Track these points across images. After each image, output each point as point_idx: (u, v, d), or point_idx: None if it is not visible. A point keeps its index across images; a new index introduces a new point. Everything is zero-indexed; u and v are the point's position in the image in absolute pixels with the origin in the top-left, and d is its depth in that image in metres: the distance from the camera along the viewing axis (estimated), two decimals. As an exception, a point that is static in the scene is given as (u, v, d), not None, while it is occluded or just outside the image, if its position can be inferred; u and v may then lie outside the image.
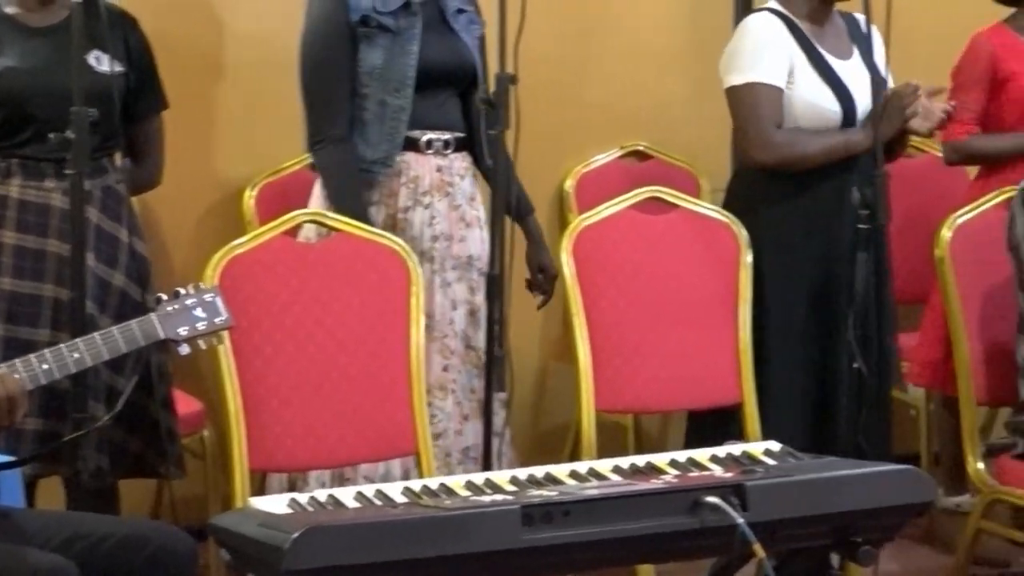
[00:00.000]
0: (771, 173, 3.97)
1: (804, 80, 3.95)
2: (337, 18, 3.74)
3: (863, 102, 3.91)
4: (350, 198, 3.74)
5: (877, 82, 3.84)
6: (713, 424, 3.90)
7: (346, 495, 2.53)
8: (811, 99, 3.95)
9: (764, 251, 3.91)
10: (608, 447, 3.67)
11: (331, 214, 3.62)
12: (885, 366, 3.80)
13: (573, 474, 2.67)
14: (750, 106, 3.93)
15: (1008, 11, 4.64)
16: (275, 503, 2.51)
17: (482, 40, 3.95)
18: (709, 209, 3.98)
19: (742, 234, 3.88)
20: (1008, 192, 3.99)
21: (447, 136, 3.86)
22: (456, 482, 2.60)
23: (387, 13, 3.74)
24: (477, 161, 3.93)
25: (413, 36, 3.76)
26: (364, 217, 3.69)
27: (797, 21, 4.00)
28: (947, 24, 4.73)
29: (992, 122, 4.60)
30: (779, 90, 3.94)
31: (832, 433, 3.96)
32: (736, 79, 3.96)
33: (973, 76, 4.50)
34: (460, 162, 3.89)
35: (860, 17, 3.97)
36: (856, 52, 4.01)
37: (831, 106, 3.95)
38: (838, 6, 4.03)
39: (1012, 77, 4.51)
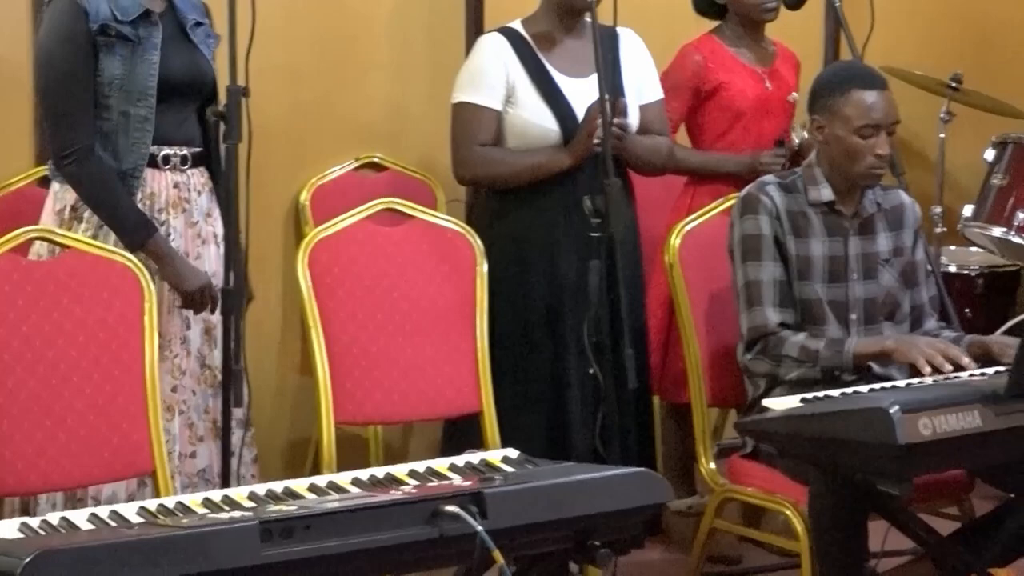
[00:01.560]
0: (500, 189, 4.13)
1: (525, 100, 4.09)
2: (76, 28, 3.65)
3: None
4: (119, 201, 3.66)
5: (613, 99, 3.93)
6: (465, 431, 3.93)
7: (79, 517, 2.47)
8: (530, 118, 4.08)
9: (499, 261, 3.96)
10: (350, 460, 3.66)
11: (60, 231, 3.53)
12: (623, 371, 3.87)
13: (312, 488, 2.66)
14: (458, 125, 4.14)
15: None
16: (5, 528, 2.44)
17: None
18: (445, 220, 4.01)
19: (477, 244, 3.92)
20: (732, 199, 4.12)
21: (185, 151, 3.79)
22: (193, 500, 2.57)
23: (126, 22, 3.66)
24: (215, 176, 3.87)
25: (153, 46, 3.69)
26: (140, 215, 3.64)
27: (532, 42, 4.10)
28: (673, 37, 4.84)
29: (699, 131, 4.72)
30: (492, 111, 4.08)
31: (570, 439, 4.03)
32: (454, 97, 4.16)
33: (678, 85, 4.60)
34: (198, 178, 3.82)
35: (623, 33, 4.05)
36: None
37: (550, 125, 4.07)
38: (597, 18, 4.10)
39: (720, 87, 4.62)
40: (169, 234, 3.75)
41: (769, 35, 4.78)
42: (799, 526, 3.62)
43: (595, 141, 3.95)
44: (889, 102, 3.78)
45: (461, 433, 3.99)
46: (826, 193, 3.83)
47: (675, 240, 4.05)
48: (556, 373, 4.07)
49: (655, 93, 4.27)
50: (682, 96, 4.62)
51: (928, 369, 3.49)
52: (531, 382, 4.07)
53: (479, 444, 3.71)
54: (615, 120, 3.95)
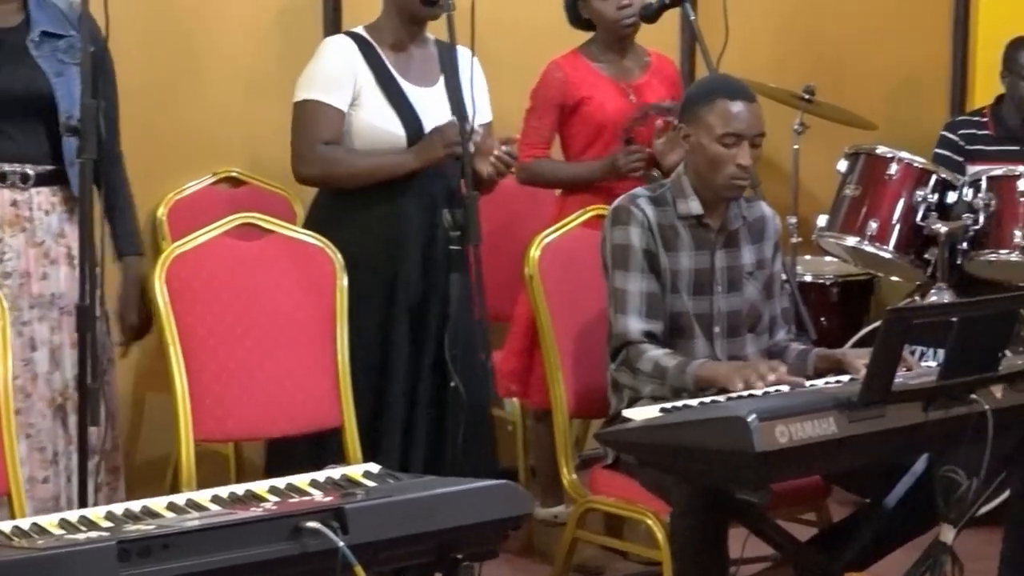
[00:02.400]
0: (344, 194, 4.10)
1: (371, 103, 4.08)
2: None
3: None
4: None
5: (458, 111, 3.95)
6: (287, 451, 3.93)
7: (-70, 541, 2.43)
8: (375, 122, 4.07)
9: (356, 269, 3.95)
10: (210, 477, 3.63)
11: None
12: (479, 383, 3.89)
13: (171, 506, 2.63)
14: (300, 122, 4.11)
15: (584, 38, 4.81)
16: None
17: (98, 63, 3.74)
18: (303, 234, 3.98)
19: (337, 258, 3.90)
20: (592, 211, 4.15)
21: (27, 169, 3.70)
22: (50, 521, 2.53)
23: None
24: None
25: None
26: None
27: (378, 47, 4.11)
28: (531, 53, 4.87)
29: (568, 144, 4.77)
30: (337, 110, 4.07)
31: (433, 452, 4.03)
32: (297, 96, 4.13)
33: (546, 101, 4.66)
34: (46, 196, 3.73)
35: (462, 51, 4.07)
36: (442, 80, 4.10)
37: (396, 130, 4.07)
38: (432, 30, 4.10)
39: (582, 102, 4.67)
40: (4, 252, 3.66)
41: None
42: (660, 535, 3.65)
43: (448, 152, 3.98)
44: (754, 114, 3.83)
45: (282, 455, 3.97)
46: (694, 206, 3.87)
47: (535, 252, 4.07)
48: (414, 386, 4.07)
49: (488, 116, 4.28)
50: (550, 112, 4.68)
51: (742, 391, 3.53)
52: (390, 395, 4.06)
53: (340, 460, 3.70)
54: (504, 148, 3.98)
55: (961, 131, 5.76)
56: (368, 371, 4.02)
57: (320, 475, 2.85)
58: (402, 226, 4.08)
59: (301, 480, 2.81)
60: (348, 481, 2.82)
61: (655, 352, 3.74)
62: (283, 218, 4.23)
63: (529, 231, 4.27)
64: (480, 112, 4.10)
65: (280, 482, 2.79)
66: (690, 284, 3.85)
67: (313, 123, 4.08)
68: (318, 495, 2.71)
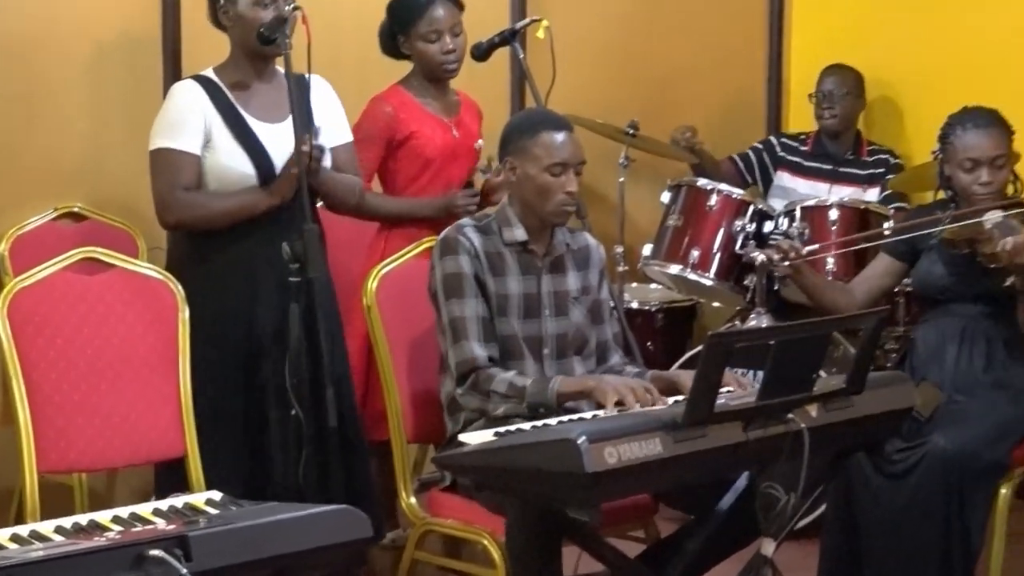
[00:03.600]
0: (197, 232, 4.10)
1: (221, 145, 4.07)
2: None
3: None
4: None
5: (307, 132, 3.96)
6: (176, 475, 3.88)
7: None
8: (226, 162, 4.07)
9: (196, 306, 3.91)
10: (55, 509, 3.55)
11: None
12: (324, 412, 3.87)
13: (15, 538, 2.58)
14: (157, 170, 4.09)
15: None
16: None
17: None
18: (145, 268, 3.94)
19: (179, 291, 3.87)
20: (426, 242, 4.17)
21: None
22: None
23: None
24: None
25: None
26: None
27: (225, 88, 4.10)
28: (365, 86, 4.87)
29: (392, 177, 4.75)
30: (190, 155, 4.06)
31: (274, 480, 4.01)
32: (151, 144, 4.10)
33: (372, 135, 4.63)
34: None
35: (314, 79, 4.06)
36: (291, 116, 4.09)
37: (246, 169, 4.07)
38: (280, 65, 4.09)
39: (410, 136, 4.67)
40: None
41: (457, 86, 4.86)
42: (496, 555, 3.67)
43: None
44: (575, 143, 3.90)
45: (173, 476, 3.92)
46: (520, 233, 3.91)
47: (372, 284, 4.07)
48: (259, 415, 4.05)
49: (345, 136, 4.30)
50: (375, 146, 4.66)
51: (627, 402, 3.57)
52: (234, 425, 4.04)
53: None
54: (312, 143, 3.99)
55: (783, 140, 5.96)
56: (225, 400, 3.99)
57: (163, 503, 2.82)
58: (254, 262, 4.07)
59: (144, 509, 2.78)
60: (191, 509, 2.80)
61: (506, 374, 3.78)
62: (126, 252, 4.19)
63: (353, 264, 4.27)
64: (339, 134, 4.19)
65: (124, 511, 2.75)
66: (520, 308, 3.89)
67: (169, 170, 4.06)
68: (161, 523, 2.68)
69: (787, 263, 4.26)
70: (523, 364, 3.86)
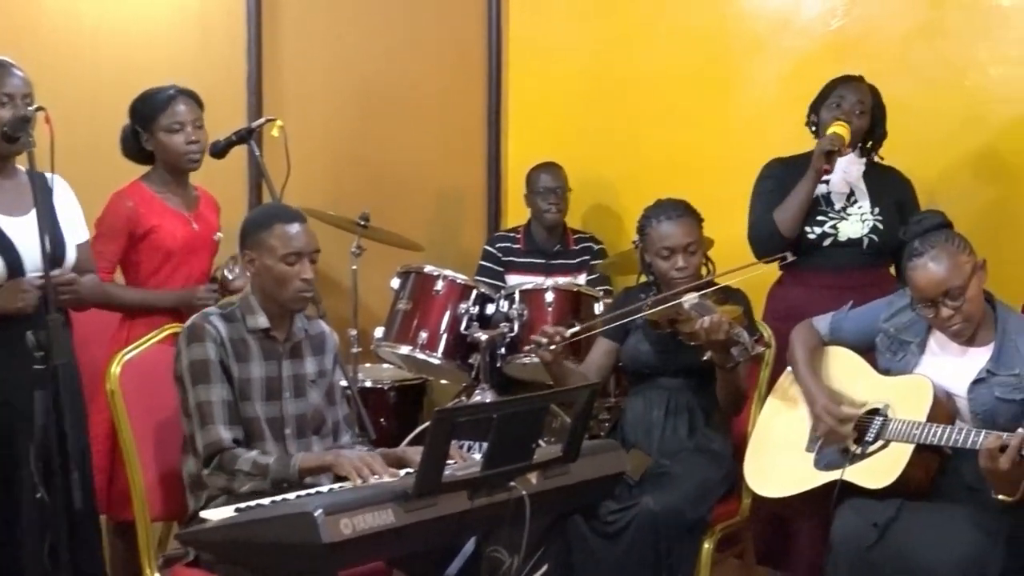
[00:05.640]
0: None
1: None
2: None
3: (34, 257, 3.90)
4: None
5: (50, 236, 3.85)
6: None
7: None
8: None
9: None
10: None
11: None
12: (70, 495, 3.76)
13: None
14: None
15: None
16: None
17: None
18: None
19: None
20: (169, 329, 4.10)
21: None
22: None
23: None
24: None
25: None
26: None
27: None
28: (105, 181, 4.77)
29: (134, 269, 4.65)
30: None
31: (22, 560, 3.86)
32: None
33: (114, 229, 4.55)
34: None
35: (55, 179, 3.97)
36: (34, 210, 3.98)
37: (-4, 264, 3.94)
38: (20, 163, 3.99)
39: (152, 230, 4.60)
40: None
41: (197, 182, 4.81)
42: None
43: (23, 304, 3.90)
44: (309, 234, 3.92)
45: None
46: (262, 321, 3.90)
47: (115, 368, 3.97)
48: (8, 498, 3.90)
49: (84, 235, 4.22)
50: (118, 239, 4.57)
51: (359, 481, 3.56)
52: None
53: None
54: (67, 280, 3.95)
55: (498, 244, 6.03)
56: None
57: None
58: (3, 355, 3.93)
59: None
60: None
61: (250, 453, 3.74)
62: None
63: (94, 352, 4.18)
64: (80, 232, 4.11)
65: None
66: (262, 391, 3.87)
67: None
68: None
69: (552, 347, 4.31)
70: (265, 444, 3.83)
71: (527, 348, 4.48)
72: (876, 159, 4.95)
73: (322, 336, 4.07)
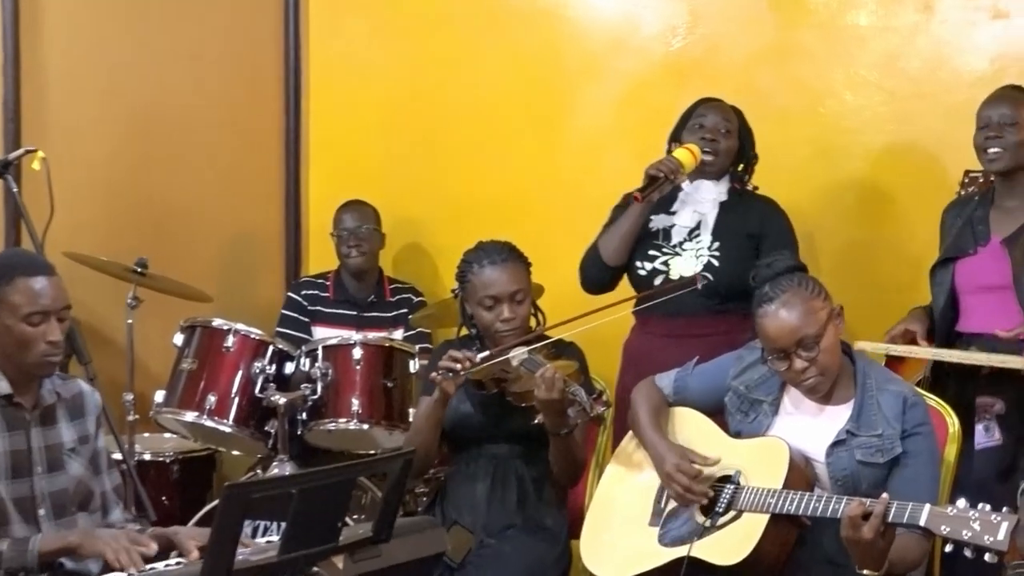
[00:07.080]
0: None
1: None
2: None
3: None
4: None
5: None
6: None
7: None
8: None
9: None
10: None
11: None
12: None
13: None
14: None
15: None
16: None
17: None
18: None
19: None
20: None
21: None
22: None
23: None
24: None
25: None
26: None
27: None
28: None
29: None
30: None
31: None
32: None
33: None
34: None
35: None
36: None
37: None
38: None
39: None
40: None
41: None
42: None
43: None
44: (57, 287, 3.81)
45: None
46: (3, 387, 3.79)
47: None
48: None
49: None
50: None
51: (121, 561, 3.47)
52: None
53: None
54: None
55: (304, 292, 5.95)
56: None
57: None
58: None
59: None
60: None
61: None
62: None
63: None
64: None
65: None
66: (6, 468, 3.75)
67: None
68: None
69: (464, 373, 4.22)
70: (11, 528, 3.72)
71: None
72: (748, 187, 4.97)
73: (80, 396, 3.98)
